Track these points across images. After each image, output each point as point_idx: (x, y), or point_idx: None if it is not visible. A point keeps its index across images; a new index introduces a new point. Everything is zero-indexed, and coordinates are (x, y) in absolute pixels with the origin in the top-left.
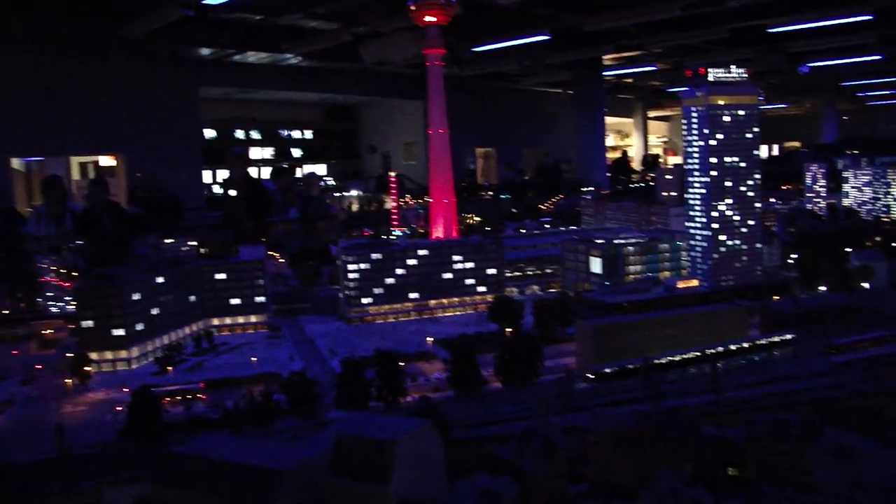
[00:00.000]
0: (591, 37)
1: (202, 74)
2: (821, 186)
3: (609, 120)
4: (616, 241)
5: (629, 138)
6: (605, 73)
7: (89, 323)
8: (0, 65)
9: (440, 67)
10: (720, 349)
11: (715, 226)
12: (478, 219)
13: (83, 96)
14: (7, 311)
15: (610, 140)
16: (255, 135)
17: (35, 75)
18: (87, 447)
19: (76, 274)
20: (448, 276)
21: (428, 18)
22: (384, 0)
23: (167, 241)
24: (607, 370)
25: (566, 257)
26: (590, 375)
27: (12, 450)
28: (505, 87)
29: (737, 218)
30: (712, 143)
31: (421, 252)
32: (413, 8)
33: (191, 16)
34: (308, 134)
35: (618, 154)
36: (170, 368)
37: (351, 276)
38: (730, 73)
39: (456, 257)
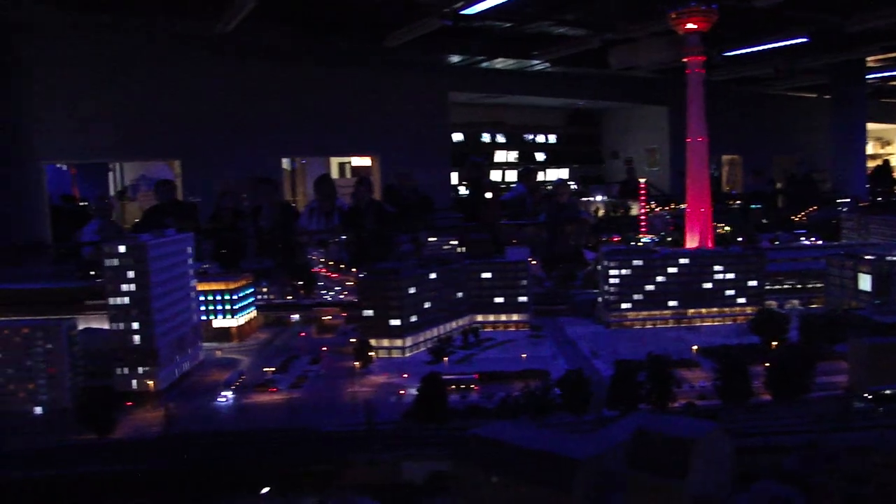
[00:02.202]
0: (852, 37)
1: (452, 80)
2: None
3: (869, 126)
4: (889, 258)
5: (891, 146)
6: (868, 77)
7: (369, 312)
8: (271, 79)
9: (700, 75)
10: None
11: None
12: (728, 228)
13: (343, 103)
14: (290, 298)
15: (869, 148)
16: (500, 138)
17: (301, 86)
18: (380, 424)
19: (342, 266)
20: (708, 285)
21: (689, 26)
22: (636, 6)
23: (430, 239)
24: (887, 391)
25: (831, 272)
26: (867, 395)
27: (316, 420)
28: (754, 92)
29: None
30: None
31: (682, 261)
32: (673, 15)
33: (448, 26)
34: (551, 138)
35: (878, 163)
36: (445, 359)
37: (612, 280)
38: None
39: (717, 267)
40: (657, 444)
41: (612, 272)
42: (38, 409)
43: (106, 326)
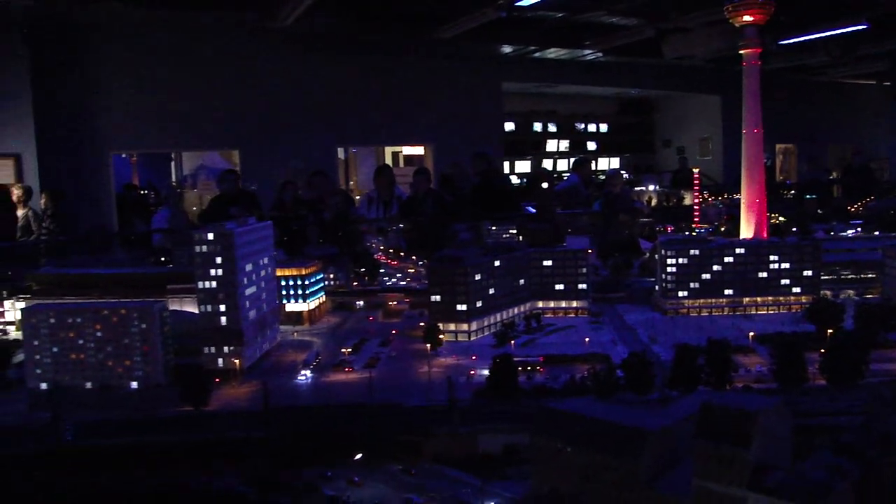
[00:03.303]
0: None
1: (505, 70)
2: None
3: None
4: None
5: None
6: None
7: (437, 297)
8: (327, 69)
9: (756, 67)
10: None
11: None
12: (782, 219)
13: (398, 93)
14: (356, 284)
15: None
16: (551, 127)
17: (356, 76)
18: (447, 402)
19: (402, 254)
20: (763, 275)
21: (745, 18)
22: None
23: (492, 227)
24: None
25: (888, 263)
26: None
27: (392, 397)
28: (808, 80)
29: None
30: None
31: (738, 250)
32: (729, 8)
33: (502, 17)
34: (603, 127)
35: None
36: (512, 342)
37: (669, 269)
38: None
39: (772, 257)
40: (722, 415)
41: (669, 261)
42: (134, 384)
43: (187, 309)
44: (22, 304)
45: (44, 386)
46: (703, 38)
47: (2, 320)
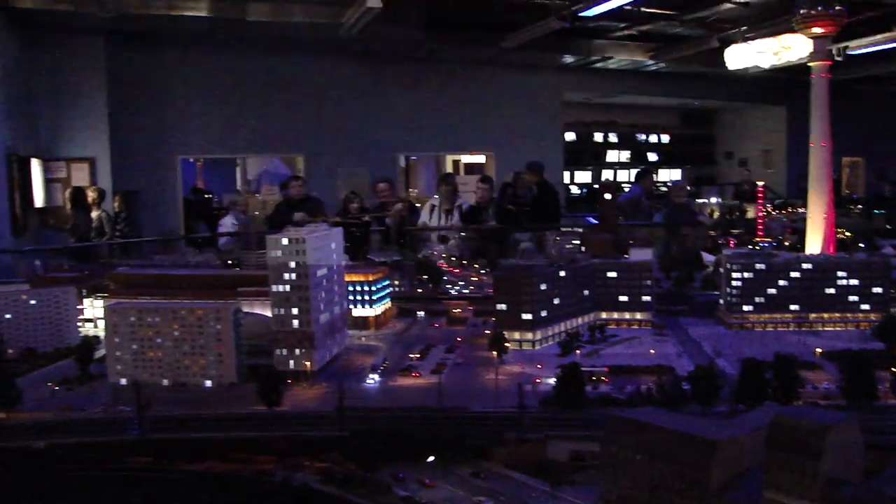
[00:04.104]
0: None
1: (566, 80)
2: None
3: None
4: None
5: None
6: None
7: (503, 306)
8: (390, 78)
9: (826, 80)
10: None
11: None
12: (849, 234)
13: (460, 101)
14: (419, 291)
15: None
16: (612, 138)
17: (419, 84)
18: (524, 408)
19: (464, 262)
20: (830, 291)
21: (816, 30)
22: (755, 6)
23: (556, 238)
24: None
25: None
26: None
27: (459, 402)
28: (878, 91)
29: None
30: None
31: (804, 265)
32: (799, 18)
33: (566, 27)
34: (664, 138)
35: None
36: (578, 352)
37: (734, 283)
38: None
39: (840, 273)
40: (794, 429)
41: (734, 275)
42: (208, 383)
43: (256, 311)
44: (100, 303)
45: (123, 381)
46: (768, 49)
47: (81, 317)
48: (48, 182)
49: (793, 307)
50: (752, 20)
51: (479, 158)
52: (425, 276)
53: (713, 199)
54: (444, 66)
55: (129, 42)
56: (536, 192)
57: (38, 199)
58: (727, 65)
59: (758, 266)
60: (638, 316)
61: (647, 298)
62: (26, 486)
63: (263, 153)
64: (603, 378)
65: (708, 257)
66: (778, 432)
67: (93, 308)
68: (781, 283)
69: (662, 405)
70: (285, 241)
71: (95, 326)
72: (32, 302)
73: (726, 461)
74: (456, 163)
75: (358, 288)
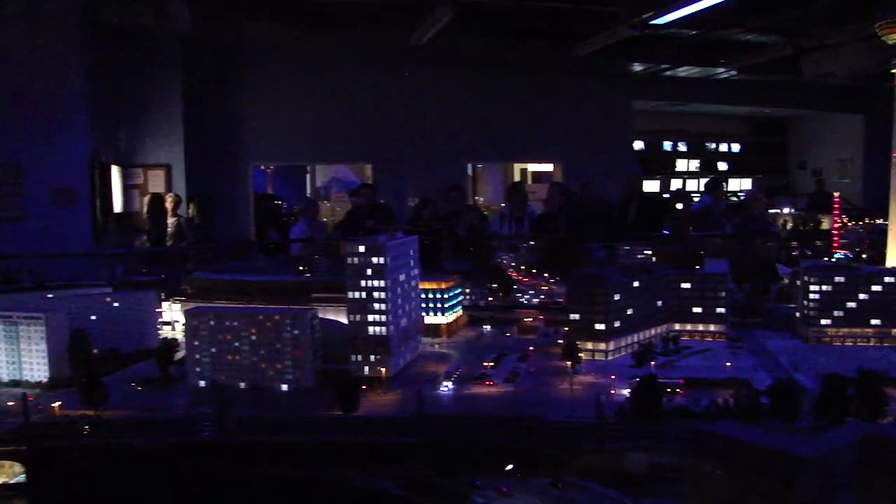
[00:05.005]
0: None
1: (635, 88)
2: None
3: None
4: None
5: None
6: None
7: (576, 316)
8: (459, 86)
9: None
10: None
11: None
12: None
13: (528, 110)
14: (490, 299)
15: None
16: (681, 147)
17: (488, 93)
18: (595, 419)
19: (534, 271)
20: None
21: None
22: (833, 11)
23: (626, 248)
24: None
25: None
26: None
27: (534, 412)
28: None
29: None
30: None
31: (887, 279)
32: (881, 23)
33: (637, 35)
34: (734, 147)
35: None
36: (652, 363)
37: (812, 296)
38: None
39: None
40: (886, 447)
41: (812, 287)
42: (284, 387)
43: (329, 317)
44: (178, 306)
45: (202, 383)
46: (847, 56)
47: (160, 320)
48: (126, 188)
49: (874, 321)
50: (828, 27)
51: (547, 167)
52: (496, 285)
53: (786, 210)
54: (512, 74)
55: (204, 52)
56: (637, 203)
57: (117, 205)
58: (803, 72)
59: (837, 279)
60: (712, 328)
61: (721, 310)
62: (129, 484)
63: (333, 161)
64: (678, 390)
65: (783, 269)
66: (869, 451)
67: (171, 311)
68: (862, 296)
69: (740, 419)
70: (362, 248)
71: (173, 329)
72: (116, 304)
73: (813, 478)
74: (523, 171)
75: (430, 295)
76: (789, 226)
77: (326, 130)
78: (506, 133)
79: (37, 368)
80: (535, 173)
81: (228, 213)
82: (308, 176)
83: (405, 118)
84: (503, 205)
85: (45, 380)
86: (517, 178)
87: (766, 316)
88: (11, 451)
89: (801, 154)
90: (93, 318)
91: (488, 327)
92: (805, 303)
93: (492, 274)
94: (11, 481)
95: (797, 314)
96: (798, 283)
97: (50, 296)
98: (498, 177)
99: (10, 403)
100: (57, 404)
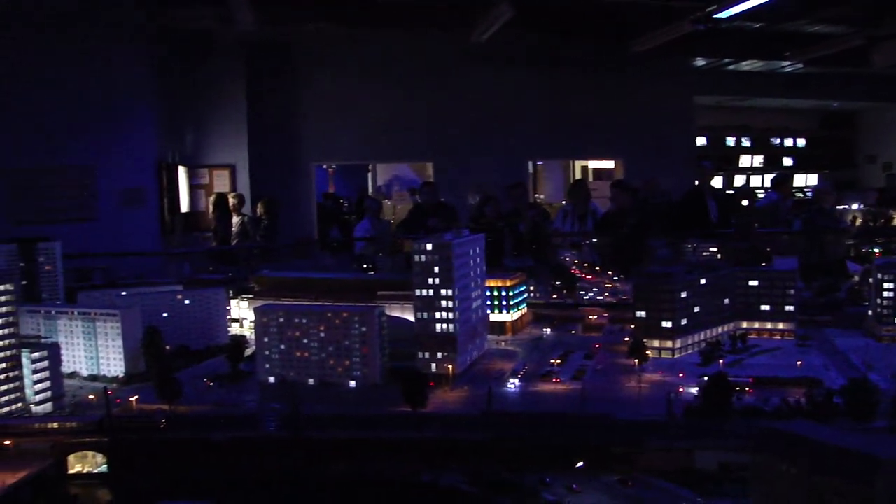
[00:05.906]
0: None
1: (697, 83)
2: None
3: None
4: None
5: None
6: None
7: (642, 314)
8: (518, 83)
9: None
10: None
11: None
12: None
13: (589, 106)
14: (555, 297)
15: None
16: (745, 142)
17: (548, 90)
18: (665, 417)
19: (597, 269)
20: None
21: None
22: None
23: (689, 245)
24: None
25: None
26: None
27: (602, 409)
28: None
29: None
30: None
31: None
32: None
33: (699, 30)
34: (800, 142)
35: None
36: (721, 361)
37: (886, 294)
38: None
39: None
40: None
41: (886, 285)
42: (352, 384)
43: (395, 314)
44: (245, 304)
45: (272, 380)
46: None
47: (229, 317)
48: (192, 188)
49: None
50: None
51: (608, 163)
52: (559, 283)
53: (855, 205)
54: (572, 70)
55: (266, 53)
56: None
57: (184, 205)
58: (873, 63)
59: None
60: (780, 326)
61: (790, 308)
62: (205, 478)
63: (394, 160)
64: (747, 389)
65: (853, 266)
66: None
67: (239, 308)
68: None
69: (812, 418)
70: (430, 246)
71: (241, 326)
72: (187, 302)
73: (892, 480)
74: (584, 168)
75: (495, 293)
76: (858, 221)
77: (387, 129)
78: (567, 130)
79: (113, 363)
80: (595, 170)
81: (291, 212)
82: (369, 175)
83: (465, 116)
84: (565, 202)
85: (121, 374)
86: (578, 175)
87: (835, 314)
88: (94, 442)
89: (869, 148)
90: (165, 315)
91: (548, 330)
92: (878, 301)
93: (555, 271)
94: (95, 471)
95: (869, 312)
96: (870, 280)
97: (123, 293)
98: (558, 174)
99: (90, 397)
100: (134, 398)
